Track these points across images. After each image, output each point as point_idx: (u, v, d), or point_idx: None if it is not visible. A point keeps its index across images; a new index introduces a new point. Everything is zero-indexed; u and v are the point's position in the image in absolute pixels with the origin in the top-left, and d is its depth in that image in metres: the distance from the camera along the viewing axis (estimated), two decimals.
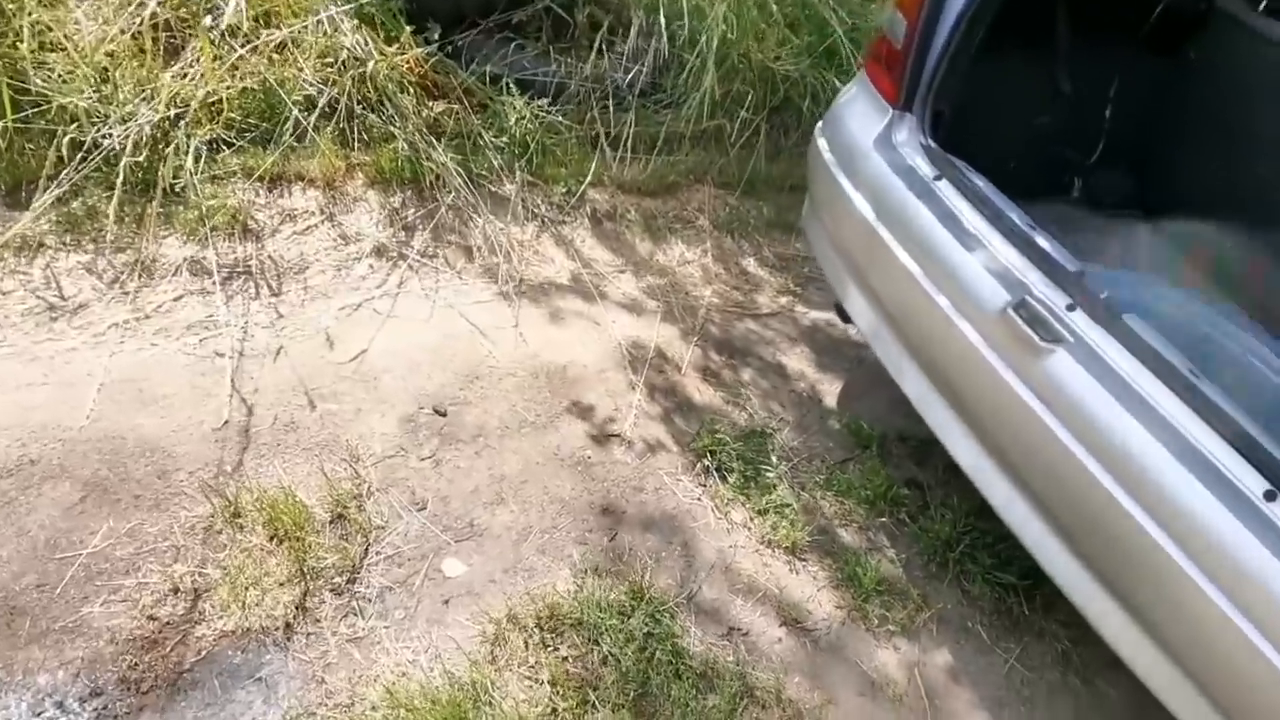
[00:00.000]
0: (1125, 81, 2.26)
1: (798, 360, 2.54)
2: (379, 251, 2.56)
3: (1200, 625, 1.29)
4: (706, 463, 2.12)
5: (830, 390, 2.46)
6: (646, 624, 1.73)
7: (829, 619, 1.89)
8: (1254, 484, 1.27)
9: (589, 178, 2.89)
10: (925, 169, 1.83)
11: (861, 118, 1.99)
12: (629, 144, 3.00)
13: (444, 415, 2.11)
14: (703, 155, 3.17)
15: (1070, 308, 1.53)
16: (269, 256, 2.48)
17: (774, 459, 2.17)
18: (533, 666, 1.65)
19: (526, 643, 1.68)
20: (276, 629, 1.65)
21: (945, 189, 1.78)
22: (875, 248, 1.86)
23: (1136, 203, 2.41)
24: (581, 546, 1.90)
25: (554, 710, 1.59)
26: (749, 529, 2.02)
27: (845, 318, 2.15)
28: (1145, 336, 1.47)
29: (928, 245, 1.74)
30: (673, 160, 3.12)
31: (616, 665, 1.67)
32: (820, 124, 2.18)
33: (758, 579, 1.92)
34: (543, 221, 2.81)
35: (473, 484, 1.98)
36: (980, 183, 1.77)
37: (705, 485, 2.09)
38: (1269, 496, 1.25)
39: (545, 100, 2.92)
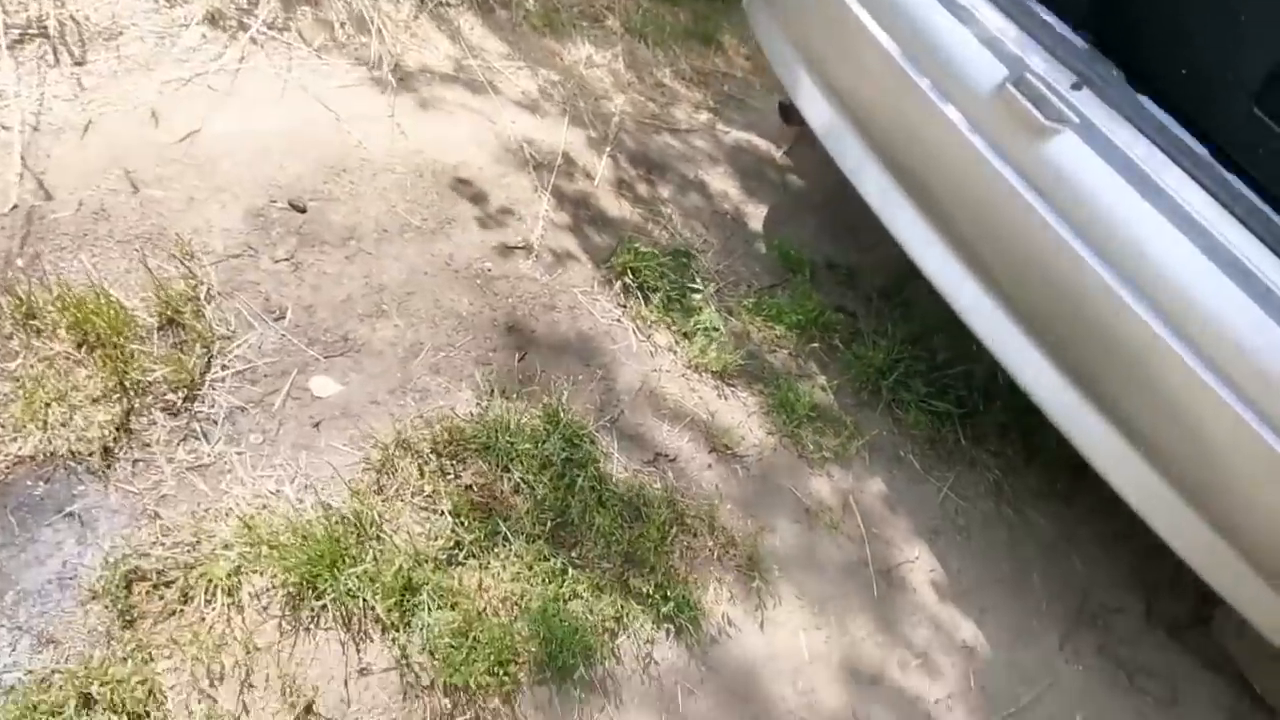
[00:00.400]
0: None
1: (720, 180, 2.27)
2: (213, 19, 2.03)
3: (1218, 441, 1.17)
4: (626, 281, 1.84)
5: (755, 214, 2.22)
6: (564, 449, 1.48)
7: (760, 446, 1.71)
8: (1276, 267, 1.13)
9: None
10: None
11: None
12: None
13: (303, 211, 1.71)
14: None
15: (1076, 86, 1.32)
16: (71, 18, 1.92)
17: (699, 281, 1.92)
18: (429, 496, 1.37)
19: (422, 470, 1.39)
20: (91, 454, 1.28)
21: None
22: (840, 25, 1.58)
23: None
24: (484, 367, 1.60)
25: (458, 543, 1.33)
26: (674, 353, 1.78)
27: (790, 118, 1.88)
28: (1161, 117, 1.28)
29: (908, 17, 1.47)
30: None
31: (531, 493, 1.42)
32: None
33: (685, 404, 1.70)
34: (420, 0, 2.34)
35: (344, 293, 1.62)
36: None
37: (625, 305, 1.82)
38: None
39: None
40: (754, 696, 1.39)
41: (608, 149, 2.18)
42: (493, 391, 1.55)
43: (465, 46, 2.29)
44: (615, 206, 2.04)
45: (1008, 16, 1.41)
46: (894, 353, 1.91)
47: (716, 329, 1.84)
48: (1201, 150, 1.25)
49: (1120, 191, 1.23)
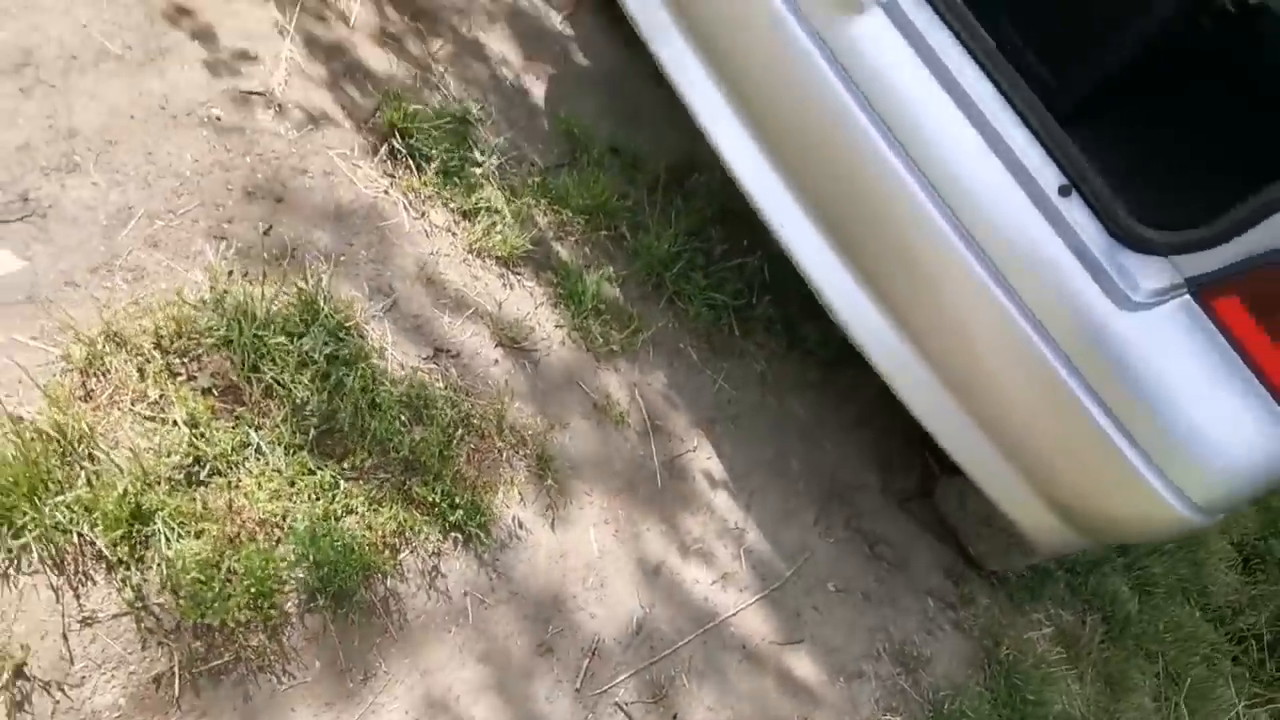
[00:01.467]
0: None
1: (499, 41, 2.03)
2: None
3: (966, 316, 1.26)
4: (394, 144, 1.60)
5: (537, 84, 2.03)
6: (327, 343, 1.27)
7: (549, 339, 1.61)
8: (1051, 178, 1.20)
9: None
10: None
11: None
12: None
13: None
14: None
15: None
16: None
17: (479, 152, 1.72)
18: (156, 403, 1.12)
19: (143, 371, 1.12)
20: None
21: None
22: None
23: None
24: (218, 241, 1.31)
25: (198, 459, 1.10)
26: (453, 234, 1.60)
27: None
28: (964, 7, 1.29)
29: None
30: None
31: (288, 397, 1.21)
32: None
33: (467, 293, 1.54)
34: None
35: (20, 137, 1.23)
36: None
37: (394, 175, 1.59)
38: (1063, 192, 1.20)
39: None
40: (545, 599, 1.34)
41: None
42: (231, 272, 1.28)
43: None
44: (377, 58, 1.75)
45: None
46: (676, 244, 1.87)
47: (499, 210, 1.67)
48: (991, 42, 1.28)
49: (913, 71, 1.24)
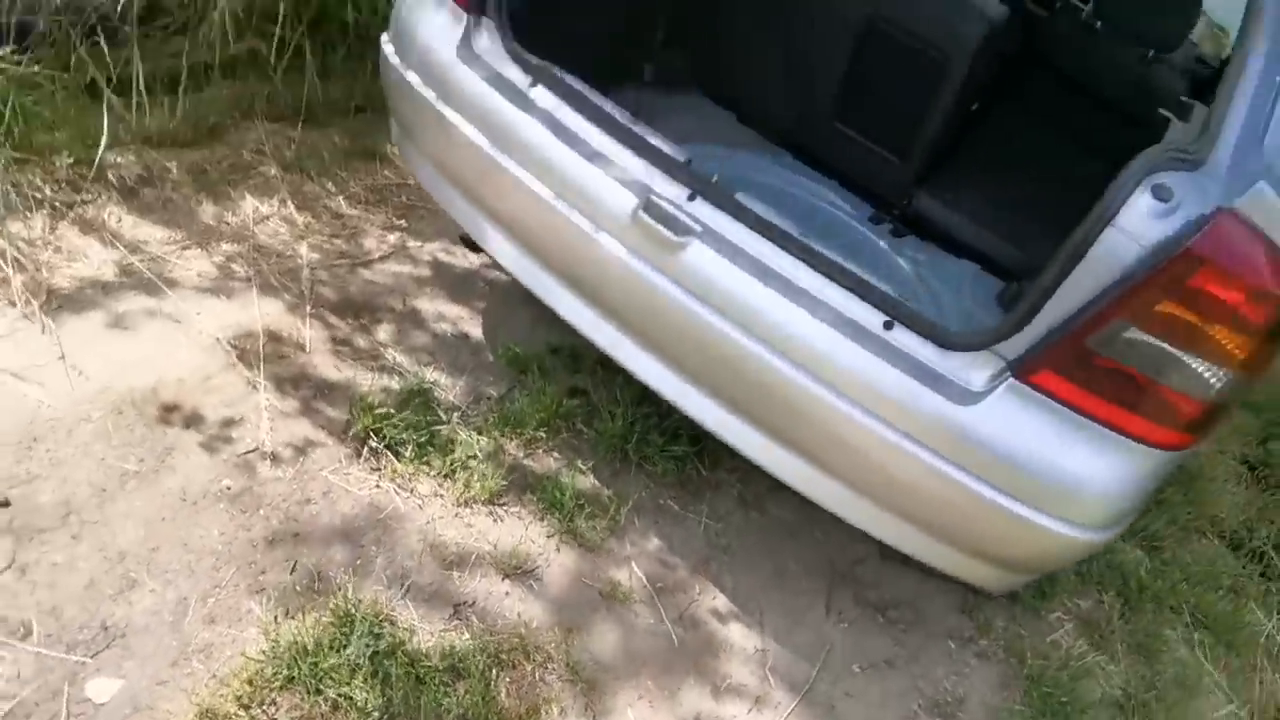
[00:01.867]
0: None
1: (430, 301, 2.37)
2: None
3: (850, 442, 1.52)
4: (373, 444, 1.91)
5: (473, 323, 2.35)
6: (368, 644, 1.55)
7: (545, 552, 1.88)
8: (874, 319, 1.47)
9: (104, 139, 2.28)
10: (517, 76, 1.72)
11: (435, 27, 1.80)
12: (141, 86, 2.41)
13: (6, 505, 1.59)
14: (242, 86, 2.68)
15: (691, 198, 1.59)
16: None
17: (442, 414, 2.03)
18: None
19: None
20: None
21: (544, 97, 1.70)
22: (488, 169, 1.75)
23: (696, 79, 2.59)
24: (260, 595, 1.62)
25: None
26: (441, 496, 1.90)
27: (473, 247, 2.03)
28: (758, 209, 1.59)
29: (542, 159, 1.67)
30: (205, 97, 2.60)
31: (351, 704, 1.49)
32: (387, 36, 1.94)
33: (467, 543, 1.83)
34: (53, 208, 2.18)
35: (84, 578, 1.55)
36: (578, 85, 1.73)
37: (379, 469, 1.90)
38: (887, 326, 1.47)
39: (4, 48, 2.19)
40: None
41: (309, 309, 2.19)
42: (276, 618, 1.57)
43: (121, 244, 2.17)
44: (337, 369, 2.08)
45: (624, 145, 1.65)
46: (628, 417, 2.16)
47: (474, 455, 1.97)
48: (787, 225, 1.57)
49: (743, 279, 1.53)
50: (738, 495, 2.17)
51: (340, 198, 2.60)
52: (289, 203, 2.49)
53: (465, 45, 1.75)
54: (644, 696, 1.72)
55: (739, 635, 1.91)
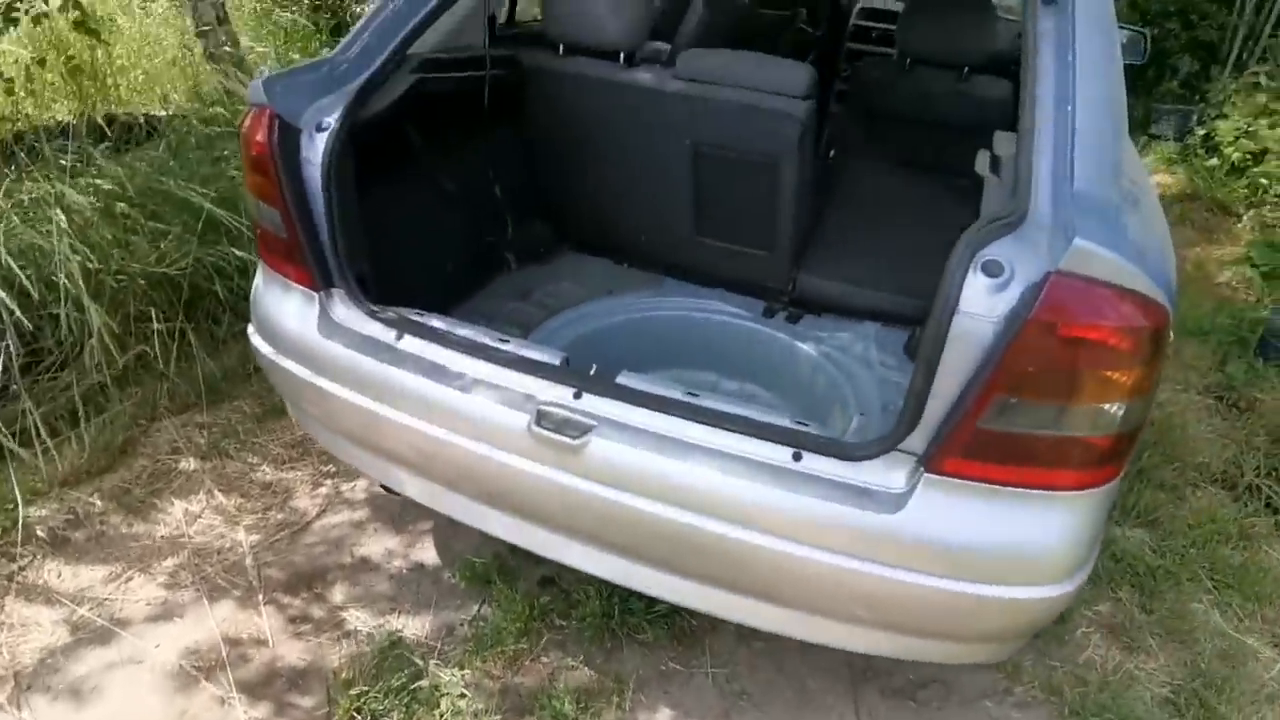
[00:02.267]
0: (497, 153, 2.44)
1: (377, 542, 2.35)
2: None
3: (801, 575, 1.52)
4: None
5: (424, 548, 2.34)
6: None
7: None
8: (783, 454, 1.49)
9: (18, 498, 2.28)
10: (383, 334, 1.76)
11: (291, 311, 1.85)
12: (42, 434, 2.43)
13: None
14: (140, 392, 2.71)
15: (577, 395, 1.61)
16: None
17: (419, 660, 2.00)
18: None
19: None
20: None
21: (412, 344, 1.74)
22: (382, 426, 1.76)
23: (562, 240, 2.67)
24: None
25: None
26: None
27: (393, 491, 2.04)
28: (641, 386, 1.62)
29: (429, 402, 1.69)
30: (108, 418, 2.61)
31: None
32: (252, 328, 1.98)
33: None
34: None
35: None
36: (440, 323, 1.77)
37: None
38: (796, 457, 1.49)
39: None
40: None
41: (261, 598, 2.17)
42: None
43: (66, 600, 2.15)
44: (302, 652, 2.04)
45: (501, 365, 1.68)
46: (603, 593, 2.13)
47: (463, 696, 1.93)
48: (674, 393, 1.60)
49: (650, 455, 1.54)
50: (734, 630, 2.14)
51: (264, 466, 2.60)
52: (215, 492, 2.49)
53: (325, 319, 1.79)
54: None
55: None
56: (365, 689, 1.90)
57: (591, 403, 1.60)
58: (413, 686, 1.93)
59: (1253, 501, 2.64)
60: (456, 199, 2.28)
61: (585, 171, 2.48)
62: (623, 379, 1.65)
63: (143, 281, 2.72)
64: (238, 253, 2.84)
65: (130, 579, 2.23)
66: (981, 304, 1.32)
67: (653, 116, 2.24)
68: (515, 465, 1.63)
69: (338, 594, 2.20)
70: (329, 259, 1.77)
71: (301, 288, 1.81)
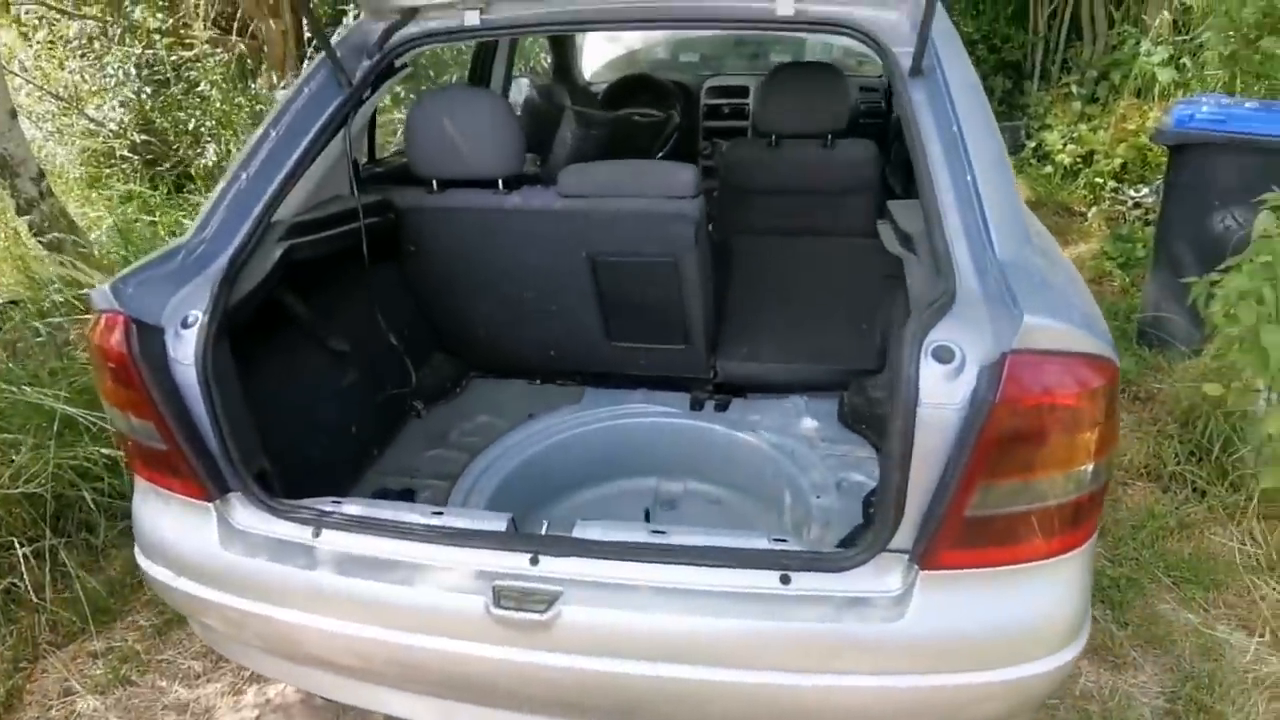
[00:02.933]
0: (385, 300, 2.28)
1: None
2: None
3: (818, 709, 1.42)
4: None
5: None
6: None
7: None
8: (769, 580, 1.39)
9: None
10: (296, 534, 1.56)
11: (182, 527, 1.62)
12: None
13: None
14: (15, 630, 2.35)
15: (534, 561, 1.47)
16: None
17: None
18: None
19: None
20: None
21: (332, 539, 1.55)
22: (310, 638, 1.56)
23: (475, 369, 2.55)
24: None
25: None
26: None
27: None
28: (603, 536, 1.49)
29: (365, 605, 1.51)
30: None
31: None
32: (138, 551, 1.74)
33: None
34: None
35: None
36: (359, 508, 1.59)
37: None
38: (784, 580, 1.39)
39: None
40: None
41: None
42: None
43: None
44: None
45: (440, 544, 1.51)
46: None
47: None
48: (638, 536, 1.48)
49: (630, 613, 1.41)
50: None
51: (175, 687, 2.28)
52: None
53: (225, 529, 1.58)
54: None
55: None
56: None
57: (551, 565, 1.46)
58: None
59: (1181, 489, 2.74)
60: (351, 357, 2.10)
61: (480, 299, 2.36)
62: (579, 531, 1.51)
63: None
64: (104, 451, 2.53)
65: None
66: (941, 393, 1.28)
67: (543, 235, 2.16)
68: (475, 654, 1.45)
69: None
70: (220, 464, 1.56)
71: (192, 500, 1.59)
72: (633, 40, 4.64)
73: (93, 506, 2.56)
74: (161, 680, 2.31)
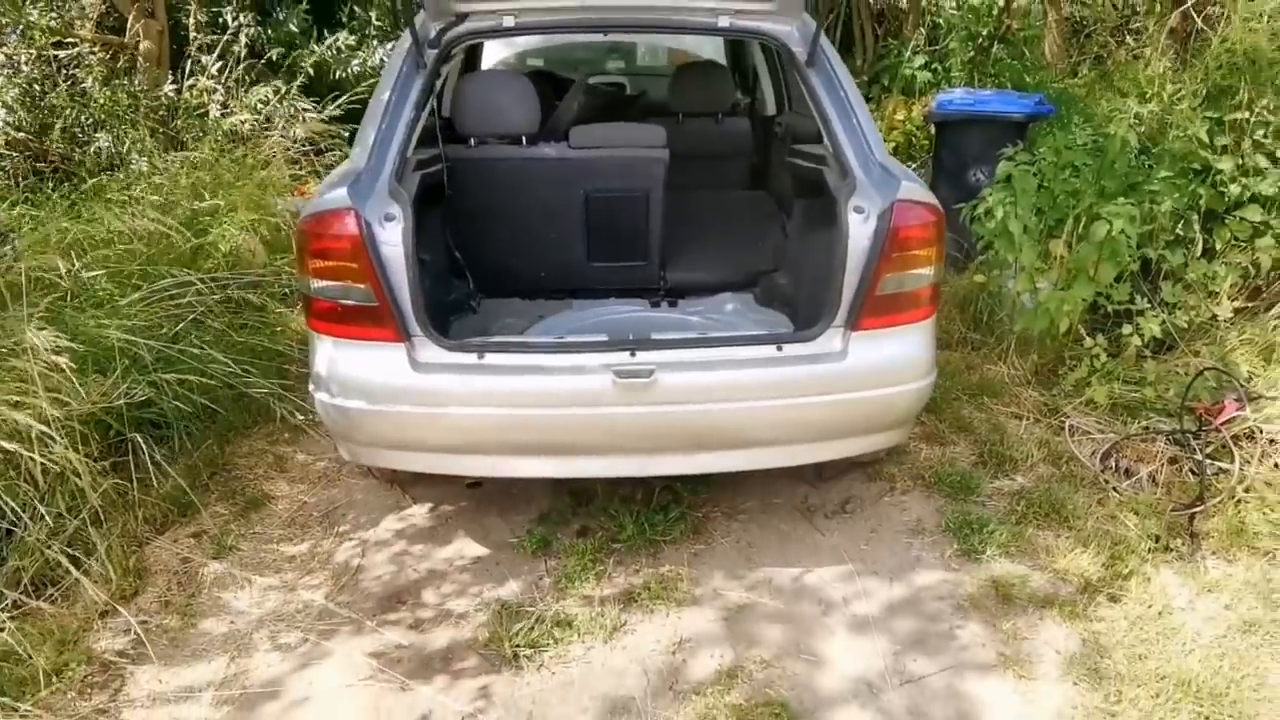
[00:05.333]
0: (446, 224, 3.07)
1: (428, 557, 2.80)
2: None
3: (792, 417, 2.46)
4: (517, 650, 2.39)
5: (471, 547, 2.84)
6: None
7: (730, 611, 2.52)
8: (769, 351, 2.42)
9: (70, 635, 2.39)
10: (466, 358, 2.37)
11: (381, 362, 2.37)
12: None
13: None
14: (122, 521, 2.83)
15: (633, 354, 2.39)
16: None
17: (530, 608, 2.54)
18: None
19: None
20: None
21: (495, 358, 2.37)
22: (482, 426, 2.37)
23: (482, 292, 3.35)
24: None
25: None
26: (592, 649, 2.43)
27: (475, 485, 2.60)
28: (670, 336, 2.43)
29: (533, 394, 2.37)
30: (105, 550, 2.71)
31: None
32: (328, 396, 2.43)
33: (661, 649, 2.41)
34: None
35: None
36: (507, 337, 2.42)
37: (542, 665, 2.38)
38: (778, 349, 2.42)
39: None
40: None
41: (370, 622, 2.54)
42: None
43: (192, 691, 2.32)
44: (435, 639, 2.46)
45: (569, 353, 2.39)
46: (635, 519, 2.84)
47: (579, 610, 2.52)
48: (691, 334, 2.46)
49: (697, 374, 2.38)
50: (723, 513, 2.96)
51: (280, 545, 2.89)
52: (252, 577, 2.74)
53: (413, 362, 2.34)
54: None
55: (831, 581, 2.72)
56: (508, 632, 2.43)
57: (644, 355, 2.38)
58: (538, 620, 2.48)
59: (964, 348, 4.08)
60: (440, 259, 2.89)
61: (496, 229, 3.19)
62: (657, 335, 2.44)
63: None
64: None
65: (235, 657, 2.45)
66: (860, 230, 2.37)
67: (554, 179, 3.06)
68: (606, 412, 2.35)
69: (430, 597, 2.64)
70: (410, 315, 2.32)
71: (389, 343, 2.34)
72: (524, 44, 5.54)
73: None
74: (264, 545, 2.90)
